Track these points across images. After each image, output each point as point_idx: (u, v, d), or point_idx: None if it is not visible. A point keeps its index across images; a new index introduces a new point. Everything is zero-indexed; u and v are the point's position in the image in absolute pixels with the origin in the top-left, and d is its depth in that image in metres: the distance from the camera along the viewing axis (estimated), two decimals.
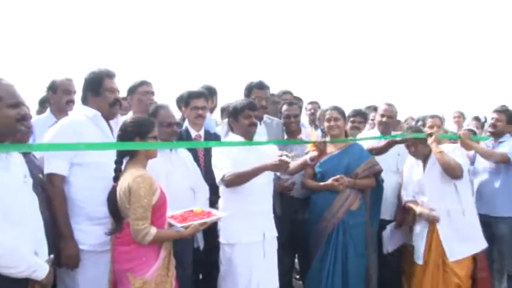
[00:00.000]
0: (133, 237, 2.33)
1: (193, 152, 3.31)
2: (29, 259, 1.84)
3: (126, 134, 2.48)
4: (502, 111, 4.07)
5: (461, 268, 3.29)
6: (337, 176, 3.38)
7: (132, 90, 3.49)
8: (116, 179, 2.45)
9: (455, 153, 3.40)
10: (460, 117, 6.78)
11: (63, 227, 2.51)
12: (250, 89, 3.73)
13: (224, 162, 2.95)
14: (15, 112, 1.88)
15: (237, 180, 2.90)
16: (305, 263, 3.77)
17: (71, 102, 3.51)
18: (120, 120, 2.87)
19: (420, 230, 3.45)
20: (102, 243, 2.56)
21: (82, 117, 2.70)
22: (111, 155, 2.50)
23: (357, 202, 3.43)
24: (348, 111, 3.97)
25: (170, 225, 2.53)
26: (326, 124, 3.57)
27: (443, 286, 3.31)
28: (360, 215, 3.46)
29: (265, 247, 3.01)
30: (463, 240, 3.30)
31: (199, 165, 3.27)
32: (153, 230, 2.34)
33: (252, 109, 3.09)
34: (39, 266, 1.88)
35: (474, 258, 3.35)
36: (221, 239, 3.02)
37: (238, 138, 3.09)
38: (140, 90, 3.45)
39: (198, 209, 2.70)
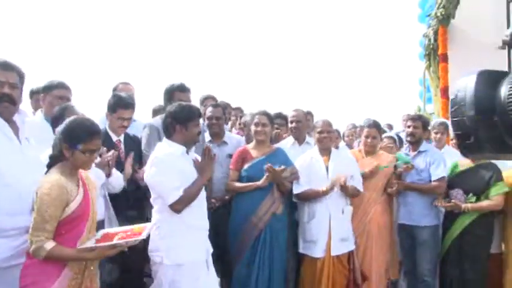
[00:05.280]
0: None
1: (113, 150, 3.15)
2: None
3: (57, 137, 2.18)
4: (418, 118, 4.12)
5: (346, 262, 3.60)
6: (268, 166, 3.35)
7: (46, 89, 3.17)
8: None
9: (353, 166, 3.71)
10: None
11: None
12: (171, 92, 3.58)
13: (174, 180, 2.67)
14: None
15: (185, 205, 2.69)
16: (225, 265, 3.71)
17: None
18: (35, 115, 2.61)
19: (321, 225, 3.55)
20: (7, 258, 2.24)
21: None
22: (18, 162, 2.25)
23: (281, 206, 3.50)
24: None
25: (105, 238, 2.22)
26: (253, 128, 3.57)
27: (338, 276, 3.53)
28: (283, 219, 3.54)
29: (208, 263, 2.85)
30: (343, 238, 3.58)
31: (120, 161, 3.15)
32: (48, 246, 2.03)
33: (201, 117, 3.00)
34: None
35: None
36: (165, 261, 2.70)
37: (176, 145, 2.81)
38: (55, 93, 3.17)
39: (139, 227, 2.35)
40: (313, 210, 3.62)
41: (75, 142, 2.14)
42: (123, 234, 2.23)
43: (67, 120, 2.22)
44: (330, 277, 3.51)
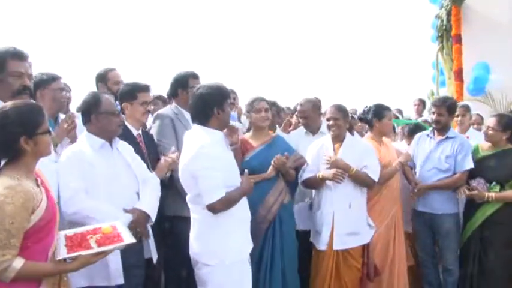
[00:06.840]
0: None
1: (135, 145, 3.01)
2: None
3: (5, 133, 1.80)
4: (441, 104, 3.85)
5: (359, 255, 3.46)
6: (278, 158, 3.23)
7: (43, 84, 3.05)
8: None
9: (369, 154, 3.51)
10: (420, 105, 6.98)
11: None
12: (185, 79, 3.50)
13: (217, 177, 2.49)
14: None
15: (225, 208, 2.55)
16: None
17: None
18: None
19: (325, 216, 3.45)
20: None
21: None
22: None
23: (287, 195, 3.38)
24: None
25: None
26: (255, 115, 3.38)
27: (347, 270, 3.41)
28: (290, 208, 3.42)
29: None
30: (352, 232, 3.42)
31: (143, 159, 2.98)
32: (18, 264, 1.72)
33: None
34: None
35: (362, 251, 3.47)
36: (213, 261, 2.57)
37: (214, 131, 2.64)
38: (55, 85, 3.08)
39: (107, 227, 2.04)
40: (319, 201, 3.54)
41: (34, 127, 1.86)
42: (96, 237, 1.96)
43: (6, 114, 1.83)
44: (332, 270, 3.40)
